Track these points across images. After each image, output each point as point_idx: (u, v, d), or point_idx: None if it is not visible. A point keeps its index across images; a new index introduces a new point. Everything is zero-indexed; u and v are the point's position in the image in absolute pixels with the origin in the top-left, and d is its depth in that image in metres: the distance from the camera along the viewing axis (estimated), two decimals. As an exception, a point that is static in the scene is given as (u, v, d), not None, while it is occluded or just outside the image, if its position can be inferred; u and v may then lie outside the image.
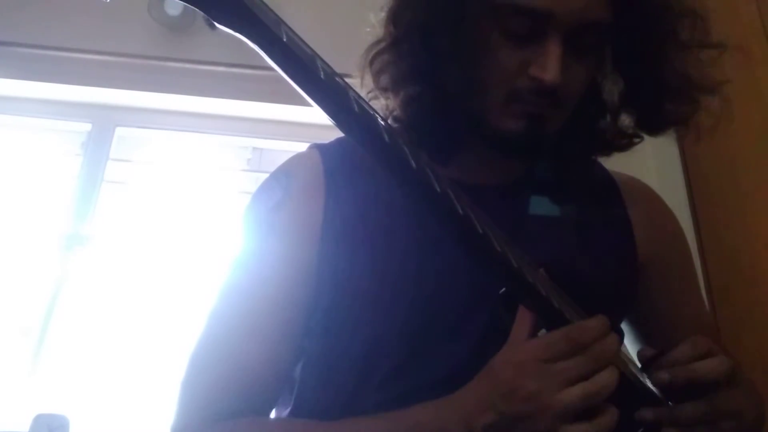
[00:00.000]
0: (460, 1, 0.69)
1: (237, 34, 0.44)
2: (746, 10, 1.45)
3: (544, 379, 0.55)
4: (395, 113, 0.78)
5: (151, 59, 1.85)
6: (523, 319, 0.60)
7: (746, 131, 1.43)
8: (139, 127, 1.95)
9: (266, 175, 0.83)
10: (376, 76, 0.77)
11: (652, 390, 0.64)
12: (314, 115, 0.54)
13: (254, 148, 2.00)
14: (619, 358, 0.61)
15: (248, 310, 0.71)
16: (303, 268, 0.72)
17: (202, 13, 0.43)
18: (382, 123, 0.50)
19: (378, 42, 0.77)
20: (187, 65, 1.85)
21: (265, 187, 0.81)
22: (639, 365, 0.67)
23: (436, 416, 0.60)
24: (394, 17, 0.75)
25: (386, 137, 0.49)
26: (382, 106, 0.80)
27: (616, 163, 0.89)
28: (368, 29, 0.78)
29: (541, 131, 0.71)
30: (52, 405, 1.46)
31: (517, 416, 0.55)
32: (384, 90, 0.78)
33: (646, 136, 0.82)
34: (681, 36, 0.73)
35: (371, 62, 0.77)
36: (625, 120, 0.79)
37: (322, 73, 0.46)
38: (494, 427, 0.56)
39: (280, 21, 0.46)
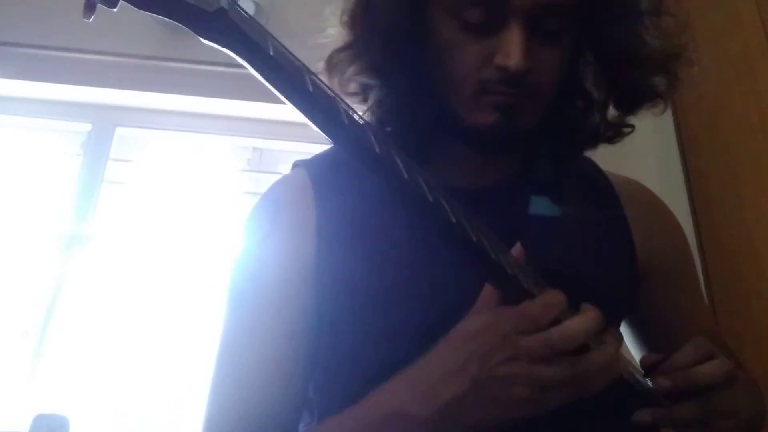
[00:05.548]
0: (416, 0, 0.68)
1: (223, 49, 0.44)
2: (747, 10, 1.44)
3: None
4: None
5: (151, 59, 1.85)
6: (489, 290, 0.59)
7: (746, 132, 1.43)
8: (139, 127, 1.95)
9: (266, 175, 0.83)
10: (340, 80, 0.76)
11: (650, 391, 0.65)
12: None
13: (254, 148, 2.00)
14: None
15: (254, 345, 0.69)
16: (300, 295, 0.71)
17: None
18: (373, 134, 0.50)
19: (339, 47, 0.76)
20: (187, 65, 1.84)
21: (253, 218, 0.80)
22: (641, 370, 0.67)
23: (392, 395, 0.56)
24: (352, 19, 0.74)
25: (377, 148, 0.49)
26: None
27: (616, 164, 0.89)
28: (325, 38, 0.76)
29: (515, 122, 0.69)
30: (52, 405, 1.47)
31: (493, 380, 0.53)
32: (352, 95, 0.77)
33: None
34: (646, 6, 0.72)
35: (331, 68, 0.76)
36: (611, 110, 0.78)
37: (310, 86, 0.46)
38: (462, 399, 0.53)
39: (266, 33, 0.46)
